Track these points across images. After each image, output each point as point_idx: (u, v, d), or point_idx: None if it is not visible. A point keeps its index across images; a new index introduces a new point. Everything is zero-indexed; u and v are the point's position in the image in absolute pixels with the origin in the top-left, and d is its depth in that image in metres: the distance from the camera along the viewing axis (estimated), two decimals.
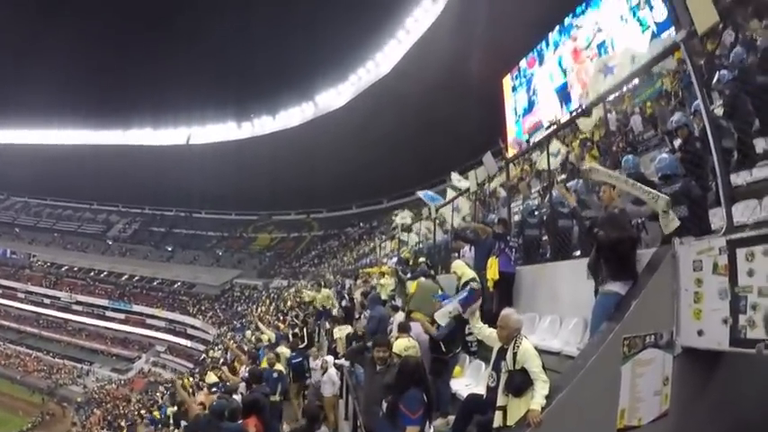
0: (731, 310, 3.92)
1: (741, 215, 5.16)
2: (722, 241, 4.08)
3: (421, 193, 15.27)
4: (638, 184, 4.82)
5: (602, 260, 4.60)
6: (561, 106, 27.39)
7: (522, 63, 33.89)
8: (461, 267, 7.05)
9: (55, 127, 69.63)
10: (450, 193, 13.41)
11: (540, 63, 31.73)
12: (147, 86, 59.16)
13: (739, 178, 6.83)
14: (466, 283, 6.19)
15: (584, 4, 27.11)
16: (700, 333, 4.18)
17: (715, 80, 7.67)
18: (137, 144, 68.39)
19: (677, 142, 6.98)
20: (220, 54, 56.96)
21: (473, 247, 8.23)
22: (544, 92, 31.03)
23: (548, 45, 30.94)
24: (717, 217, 4.64)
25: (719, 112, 6.95)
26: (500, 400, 4.20)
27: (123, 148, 68.44)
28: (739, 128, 6.45)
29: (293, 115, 60.07)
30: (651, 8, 20.50)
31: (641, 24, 22.13)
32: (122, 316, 54.86)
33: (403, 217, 20.75)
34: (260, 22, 53.13)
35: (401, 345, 5.68)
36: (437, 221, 13.57)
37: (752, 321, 3.76)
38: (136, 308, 54.77)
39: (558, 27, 29.67)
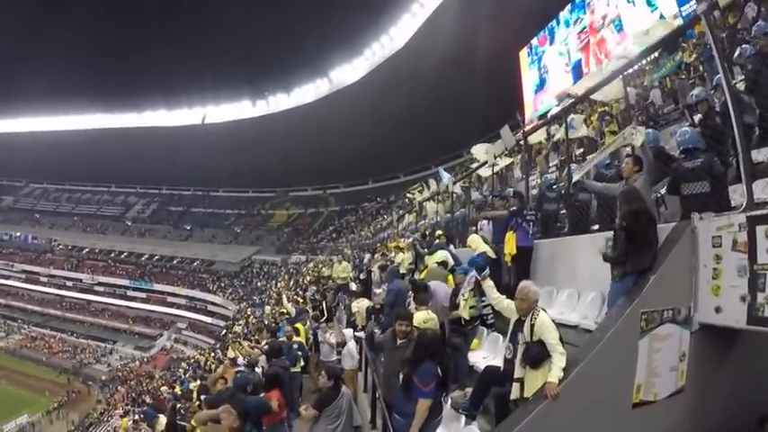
0: (750, 288, 3.89)
1: (762, 192, 5.08)
2: (742, 218, 4.03)
3: (441, 169, 15.34)
4: (612, 141, 4.86)
5: (622, 242, 4.53)
6: (574, 84, 26.80)
7: (534, 41, 33.22)
8: (476, 242, 7.12)
9: (70, 113, 70.41)
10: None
11: (552, 42, 31.14)
12: (160, 67, 59.20)
13: (761, 155, 6.68)
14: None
15: None
16: (717, 310, 4.17)
17: (737, 54, 7.48)
18: (152, 125, 68.88)
19: (697, 117, 6.84)
20: (234, 32, 56.57)
21: (491, 222, 8.23)
22: (555, 69, 30.49)
23: (558, 23, 30.29)
24: (737, 193, 4.54)
25: (741, 86, 6.78)
26: (517, 372, 4.22)
27: (139, 130, 69.00)
28: (761, 103, 6.30)
29: (308, 92, 59.83)
30: None
31: (650, 5, 21.46)
32: (144, 295, 55.97)
33: (421, 191, 20.85)
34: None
35: (420, 317, 5.78)
36: (454, 195, 13.58)
37: None
38: (157, 287, 55.82)
39: (569, 5, 28.95)
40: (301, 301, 18.50)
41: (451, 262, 7.78)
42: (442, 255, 7.95)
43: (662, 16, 19.32)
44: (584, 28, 27.46)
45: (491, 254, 6.96)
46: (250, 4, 53.88)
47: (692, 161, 4.85)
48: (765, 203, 4.30)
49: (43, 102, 66.76)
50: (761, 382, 4.45)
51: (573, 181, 7.03)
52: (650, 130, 7.13)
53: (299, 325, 10.86)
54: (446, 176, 14.62)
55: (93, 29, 59.93)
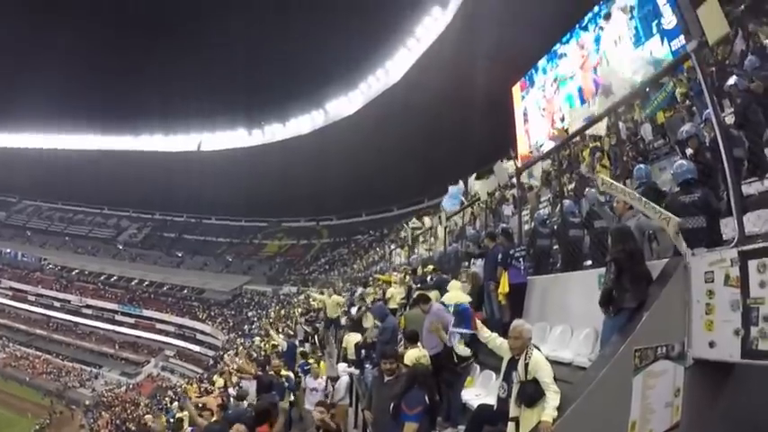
0: (743, 322, 3.91)
1: (753, 225, 5.13)
2: (734, 253, 4.07)
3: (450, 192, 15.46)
4: (651, 203, 4.81)
5: (615, 279, 4.56)
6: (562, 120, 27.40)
7: (516, 85, 34.20)
8: (453, 293, 7.09)
9: (67, 132, 70.58)
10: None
11: (531, 86, 32.12)
12: (158, 92, 59.76)
13: (751, 188, 6.80)
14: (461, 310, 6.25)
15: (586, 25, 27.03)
16: (711, 344, 4.17)
17: (729, 83, 7.64)
18: (148, 150, 69.18)
19: (688, 152, 6.95)
20: (231, 61, 57.44)
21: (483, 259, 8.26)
22: (533, 115, 31.41)
23: (536, 70, 31.22)
24: (728, 227, 4.61)
25: (730, 120, 6.93)
26: (512, 411, 4.19)
27: (134, 153, 69.25)
28: (751, 137, 6.43)
29: (303, 123, 60.41)
30: (659, 18, 20.31)
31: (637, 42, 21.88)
32: (132, 320, 55.09)
33: (414, 223, 20.94)
34: (270, 30, 53.51)
35: (412, 356, 5.73)
36: (447, 229, 13.62)
37: (764, 333, 3.76)
38: (146, 312, 54.96)
39: (546, 56, 29.89)
40: (292, 333, 18.26)
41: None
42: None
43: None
44: (557, 77, 28.35)
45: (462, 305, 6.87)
46: (249, 34, 54.85)
47: (689, 195, 4.86)
48: (756, 237, 4.35)
49: (41, 119, 67.04)
50: (756, 415, 4.41)
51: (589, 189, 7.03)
52: (642, 166, 7.23)
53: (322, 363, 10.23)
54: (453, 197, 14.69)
55: (93, 48, 60.57)
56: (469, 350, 6.10)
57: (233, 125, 64.11)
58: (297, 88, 55.49)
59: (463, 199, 15.00)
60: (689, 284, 4.40)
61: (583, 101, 24.57)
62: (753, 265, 3.90)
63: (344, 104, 56.60)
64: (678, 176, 5.11)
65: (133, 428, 21.98)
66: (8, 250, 68.11)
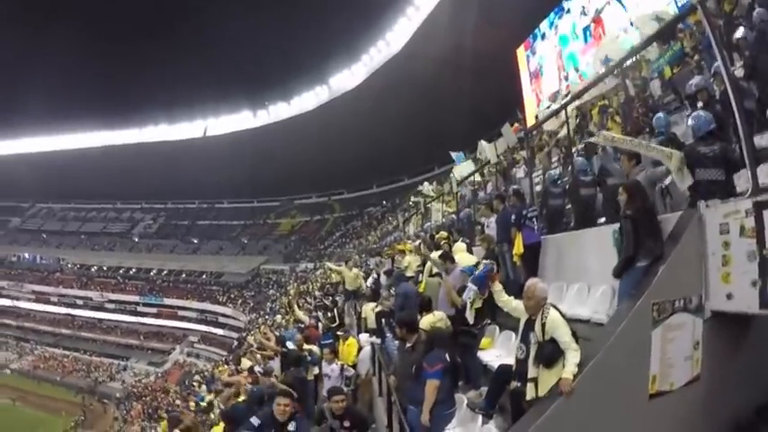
0: (760, 273, 3.90)
1: (766, 177, 5.08)
2: (748, 203, 4.06)
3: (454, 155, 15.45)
4: (650, 144, 4.78)
5: (629, 237, 4.56)
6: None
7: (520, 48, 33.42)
8: (460, 255, 7.14)
9: (72, 131, 70.65)
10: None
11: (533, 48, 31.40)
12: (159, 82, 59.41)
13: (763, 140, 6.69)
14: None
15: None
16: (729, 296, 4.18)
17: (738, 35, 7.46)
18: (154, 140, 69.18)
19: (699, 106, 6.83)
20: (231, 44, 56.77)
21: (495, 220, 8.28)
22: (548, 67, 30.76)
23: (546, 26, 30.47)
24: (742, 179, 4.55)
25: (740, 73, 6.77)
26: (531, 372, 4.20)
27: (141, 145, 69.21)
28: (761, 88, 6.30)
29: (308, 99, 59.94)
30: None
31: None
32: (154, 310, 56.02)
33: (425, 189, 21.04)
34: (269, 9, 52.80)
35: (427, 322, 5.85)
36: (458, 195, 13.62)
37: None
38: (167, 301, 55.85)
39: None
40: (311, 308, 18.52)
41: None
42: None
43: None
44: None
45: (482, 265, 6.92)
46: (247, 16, 54.17)
47: (709, 147, 4.75)
48: None
49: (44, 122, 66.92)
50: None
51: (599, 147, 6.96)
52: (661, 114, 7.13)
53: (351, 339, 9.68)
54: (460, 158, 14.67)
55: (90, 46, 60.18)
56: (473, 318, 6.16)
57: (237, 108, 63.75)
58: (299, 65, 54.91)
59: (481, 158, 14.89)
60: (704, 237, 4.40)
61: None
62: None
63: (347, 78, 55.99)
64: (698, 128, 4.96)
65: (164, 415, 22.68)
66: (26, 255, 69.15)
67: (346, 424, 5.45)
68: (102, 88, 61.54)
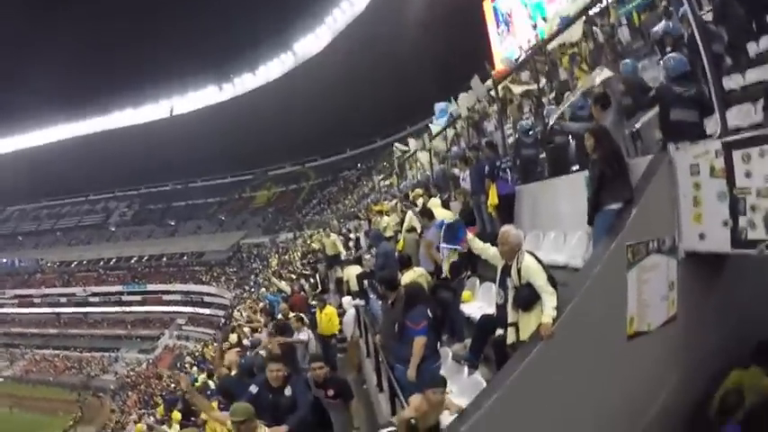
0: (731, 213, 3.96)
1: (735, 119, 5.10)
2: (718, 144, 4.08)
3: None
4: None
5: (598, 181, 4.60)
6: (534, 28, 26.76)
7: None
8: (436, 211, 7.21)
9: (36, 128, 68.91)
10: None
11: None
12: (120, 65, 57.99)
13: (732, 82, 6.72)
14: (449, 226, 6.31)
15: None
16: (701, 237, 4.26)
17: None
18: (120, 126, 67.58)
19: (667, 51, 6.80)
20: (193, 19, 55.00)
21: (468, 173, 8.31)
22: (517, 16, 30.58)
23: None
24: (711, 122, 4.57)
25: (708, 17, 6.74)
26: (511, 317, 4.28)
27: (107, 133, 67.96)
28: (731, 31, 6.29)
29: (273, 68, 58.93)
30: None
31: None
32: (139, 298, 55.61)
33: (400, 147, 20.95)
34: None
35: (408, 278, 5.89)
36: (432, 151, 13.60)
37: (752, 223, 3.81)
38: (150, 287, 55.36)
39: None
40: (294, 277, 18.53)
41: (417, 225, 7.86)
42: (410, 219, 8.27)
43: None
44: None
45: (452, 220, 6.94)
46: None
47: (685, 89, 4.72)
48: (739, 129, 4.35)
49: (5, 121, 65.03)
50: (748, 303, 4.57)
51: (550, 124, 7.05)
52: (628, 60, 7.11)
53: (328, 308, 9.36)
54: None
55: (48, 33, 57.70)
56: (450, 272, 6.22)
57: (203, 83, 62.55)
58: (262, 33, 53.84)
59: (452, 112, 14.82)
60: (675, 178, 4.44)
61: None
62: (737, 155, 3.92)
63: (312, 42, 55.05)
64: (673, 69, 4.91)
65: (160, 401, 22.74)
66: (4, 260, 67.33)
67: (330, 393, 5.46)
68: (62, 78, 59.28)
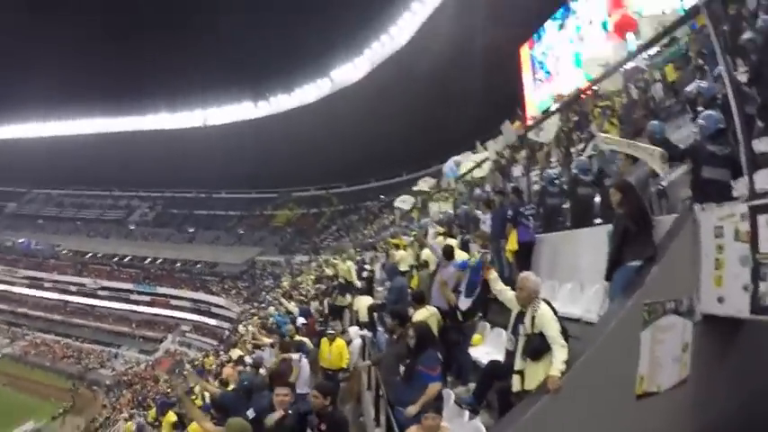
0: (752, 277, 3.89)
1: (764, 183, 5.06)
2: (744, 207, 4.04)
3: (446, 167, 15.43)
4: (636, 143, 4.78)
5: (621, 237, 4.55)
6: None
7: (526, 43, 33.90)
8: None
9: (72, 117, 70.71)
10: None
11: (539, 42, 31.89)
12: (161, 71, 59.31)
13: (762, 144, 6.66)
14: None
15: None
16: (720, 300, 4.17)
17: (745, 37, 7.41)
18: (154, 129, 69.22)
19: (699, 110, 6.80)
20: (234, 34, 56.64)
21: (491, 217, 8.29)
22: (554, 66, 31.16)
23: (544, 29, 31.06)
24: (739, 183, 4.54)
25: (742, 78, 6.74)
26: (518, 364, 4.21)
27: (141, 133, 69.36)
28: (764, 93, 6.26)
29: (309, 91, 59.93)
30: None
31: None
32: (147, 298, 55.90)
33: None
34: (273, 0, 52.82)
35: (421, 315, 5.82)
36: (456, 192, 13.62)
37: None
38: (160, 290, 55.69)
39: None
40: (305, 300, 18.50)
41: (433, 263, 7.80)
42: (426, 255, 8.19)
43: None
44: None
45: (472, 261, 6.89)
46: (251, 7, 54.07)
47: (719, 147, 4.69)
48: (767, 193, 4.29)
49: (44, 107, 67.15)
50: (764, 372, 4.42)
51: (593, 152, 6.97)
52: (655, 122, 7.11)
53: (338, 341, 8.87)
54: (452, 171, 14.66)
55: (93, 31, 60.16)
56: (470, 303, 6.15)
57: (239, 98, 63.78)
58: (301, 57, 54.89)
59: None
60: (698, 239, 4.39)
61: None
62: (763, 219, 3.88)
63: (350, 71, 55.98)
64: (708, 127, 4.89)
65: (153, 403, 22.60)
66: (21, 240, 68.47)
67: (322, 427, 5.27)
68: (103, 75, 61.56)
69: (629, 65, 13.34)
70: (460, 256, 6.98)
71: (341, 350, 8.39)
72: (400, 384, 4.88)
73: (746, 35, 7.40)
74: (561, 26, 30.65)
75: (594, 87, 13.15)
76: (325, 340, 8.53)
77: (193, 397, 11.43)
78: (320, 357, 8.38)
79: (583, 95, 14.11)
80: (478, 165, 14.07)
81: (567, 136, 13.24)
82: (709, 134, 4.86)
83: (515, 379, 4.21)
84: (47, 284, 60.94)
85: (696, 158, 4.84)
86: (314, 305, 14.97)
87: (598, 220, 6.64)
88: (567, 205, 7.70)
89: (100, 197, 77.62)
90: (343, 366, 8.40)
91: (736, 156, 4.63)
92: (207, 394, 9.02)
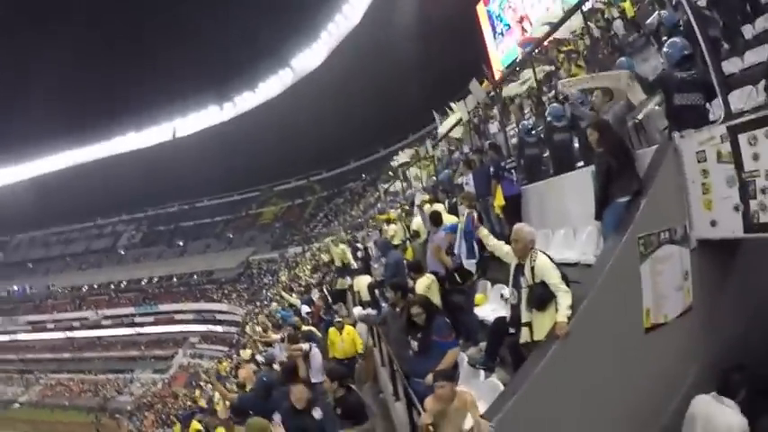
0: (741, 197, 3.91)
1: (738, 102, 5.06)
2: (722, 129, 4.04)
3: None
4: (597, 74, 4.77)
5: (605, 175, 4.57)
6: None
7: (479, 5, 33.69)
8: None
9: (40, 156, 69.50)
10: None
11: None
12: (122, 90, 58.37)
13: (731, 65, 6.69)
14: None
15: None
16: (713, 223, 4.20)
17: None
18: (125, 151, 68.34)
19: (663, 40, 6.78)
20: (190, 41, 55.48)
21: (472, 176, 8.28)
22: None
23: None
24: (714, 107, 4.56)
25: (702, 3, 6.74)
26: (524, 317, 4.22)
27: (113, 158, 68.44)
28: (725, 15, 6.26)
29: (273, 85, 59.30)
30: None
31: None
32: (151, 318, 55.56)
33: (399, 158, 20.91)
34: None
35: (423, 284, 5.88)
36: (435, 157, 13.61)
37: (763, 205, 3.77)
38: (162, 307, 55.42)
39: None
40: (304, 291, 18.53)
41: (424, 233, 7.79)
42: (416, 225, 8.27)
43: None
44: None
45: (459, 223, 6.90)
46: (204, 10, 52.97)
47: (687, 72, 4.67)
48: (744, 113, 4.31)
49: (13, 150, 65.61)
50: (765, 288, 4.48)
51: (562, 96, 6.96)
52: (623, 58, 7.09)
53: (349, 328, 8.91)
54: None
55: (47, 63, 58.28)
56: (475, 265, 6.18)
57: (203, 104, 62.99)
58: (259, 51, 54.11)
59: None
60: (682, 166, 4.39)
61: None
62: (743, 138, 3.88)
63: (310, 57, 55.38)
64: (674, 54, 4.85)
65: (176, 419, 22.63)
66: (15, 287, 67.68)
67: (338, 411, 5.30)
68: (62, 105, 59.61)
69: (587, 5, 13.26)
70: (449, 219, 6.98)
71: (353, 337, 8.47)
72: (416, 357, 4.89)
73: None
74: None
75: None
76: (333, 331, 8.53)
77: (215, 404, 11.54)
78: (332, 349, 8.38)
79: (546, 44, 14.05)
80: (453, 127, 14.03)
81: (537, 85, 13.21)
82: (676, 61, 4.83)
83: (524, 331, 4.22)
84: (49, 325, 60.39)
85: (666, 87, 4.82)
86: (316, 293, 14.98)
87: (580, 164, 6.67)
88: (546, 154, 7.72)
89: (84, 229, 76.47)
90: (358, 351, 8.49)
91: (705, 78, 4.63)
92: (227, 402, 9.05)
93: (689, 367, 4.30)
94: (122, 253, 69.51)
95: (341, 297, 11.77)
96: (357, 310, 9.15)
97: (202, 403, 17.12)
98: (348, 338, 8.40)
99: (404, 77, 45.46)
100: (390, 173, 26.37)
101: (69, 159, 70.59)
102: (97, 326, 57.84)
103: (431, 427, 3.77)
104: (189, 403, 27.40)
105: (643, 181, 4.44)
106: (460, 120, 13.79)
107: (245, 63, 55.57)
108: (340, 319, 8.70)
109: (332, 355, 8.37)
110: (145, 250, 68.20)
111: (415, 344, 4.83)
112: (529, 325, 4.18)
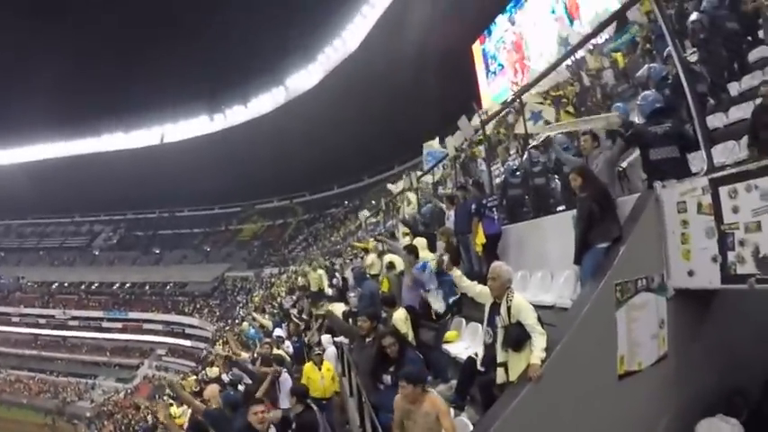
0: (720, 248, 3.97)
1: (720, 156, 5.18)
2: (704, 181, 4.12)
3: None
4: (585, 118, 4.86)
5: (586, 220, 4.61)
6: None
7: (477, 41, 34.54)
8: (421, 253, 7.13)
9: (26, 144, 68.26)
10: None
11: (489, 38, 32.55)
12: (115, 90, 57.93)
13: (716, 120, 6.89)
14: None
15: None
16: (690, 273, 4.24)
17: (693, 18, 7.63)
18: (111, 150, 67.46)
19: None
20: (186, 48, 55.58)
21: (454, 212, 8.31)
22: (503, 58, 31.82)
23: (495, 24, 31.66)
24: (696, 159, 4.66)
25: (692, 59, 6.97)
26: (500, 357, 4.18)
27: (98, 155, 67.42)
28: (713, 72, 6.46)
29: (265, 101, 59.44)
30: None
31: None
32: (119, 325, 54.25)
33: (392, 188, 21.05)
34: (224, 11, 52.02)
35: (399, 316, 5.83)
36: (419, 191, 13.64)
37: (741, 257, 3.81)
38: (131, 315, 54.15)
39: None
40: (276, 312, 18.24)
41: (399, 264, 7.74)
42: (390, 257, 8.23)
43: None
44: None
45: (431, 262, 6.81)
46: (202, 20, 53.17)
47: (659, 126, 4.77)
48: (725, 166, 4.40)
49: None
50: (740, 340, 4.52)
51: (544, 138, 7.12)
52: (620, 104, 7.25)
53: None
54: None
55: (44, 54, 57.93)
56: (444, 306, 6.14)
57: (194, 113, 62.77)
58: (255, 67, 54.34)
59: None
60: (662, 216, 4.45)
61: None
62: (724, 191, 3.95)
63: (304, 78, 55.75)
64: (645, 107, 4.99)
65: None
66: None
67: (293, 427, 5.19)
68: (55, 96, 58.96)
69: (578, 54, 13.61)
70: (426, 256, 6.92)
71: (332, 374, 7.94)
72: (387, 391, 4.80)
73: (693, 16, 7.65)
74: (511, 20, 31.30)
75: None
76: (310, 367, 7.91)
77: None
78: (311, 387, 7.40)
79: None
80: (439, 162, 14.08)
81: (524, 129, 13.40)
82: (647, 114, 4.95)
83: (499, 372, 4.18)
84: (14, 319, 58.64)
85: (641, 143, 4.91)
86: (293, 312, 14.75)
87: (561, 207, 6.73)
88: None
89: (61, 224, 75.04)
90: (337, 391, 7.99)
91: (681, 131, 4.74)
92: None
93: (661, 416, 4.29)
94: (96, 254, 68.18)
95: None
96: (326, 338, 9.02)
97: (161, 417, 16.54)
98: (328, 375, 7.82)
99: (395, 108, 45.90)
100: (374, 201, 26.41)
101: (54, 150, 69.30)
102: (64, 326, 56.24)
103: None
104: (149, 417, 26.60)
105: (623, 228, 4.48)
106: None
107: (239, 76, 55.73)
108: (319, 352, 8.09)
109: (312, 395, 7.36)
110: (120, 254, 66.97)
111: (387, 378, 4.76)
112: (504, 365, 4.13)
